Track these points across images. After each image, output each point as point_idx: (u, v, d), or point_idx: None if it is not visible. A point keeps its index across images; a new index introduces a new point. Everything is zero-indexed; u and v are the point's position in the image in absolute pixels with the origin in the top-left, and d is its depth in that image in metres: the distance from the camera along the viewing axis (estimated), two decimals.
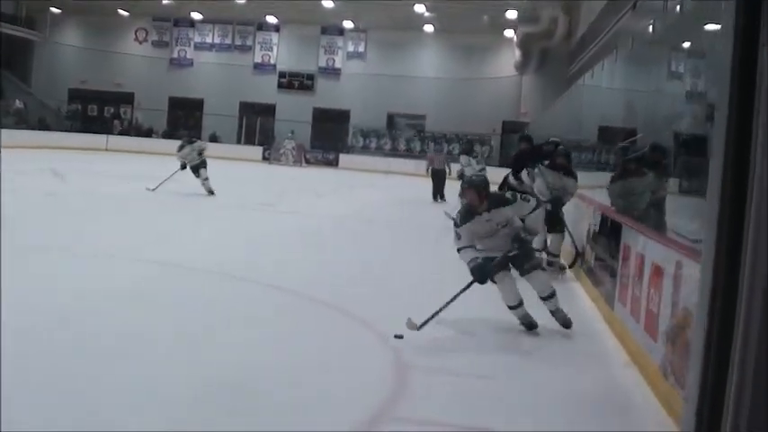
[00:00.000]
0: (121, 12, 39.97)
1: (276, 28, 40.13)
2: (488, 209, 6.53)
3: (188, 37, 41.16)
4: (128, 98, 41.35)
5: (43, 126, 37.25)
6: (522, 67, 34.57)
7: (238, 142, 38.99)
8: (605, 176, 10.36)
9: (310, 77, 39.91)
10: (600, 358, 6.19)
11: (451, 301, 6.24)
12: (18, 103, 38.10)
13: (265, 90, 39.87)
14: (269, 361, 5.33)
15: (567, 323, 6.67)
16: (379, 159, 35.59)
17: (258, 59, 40.46)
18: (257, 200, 17.80)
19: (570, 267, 9.70)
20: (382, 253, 11.08)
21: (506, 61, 36.12)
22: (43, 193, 15.48)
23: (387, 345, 5.84)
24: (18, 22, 39.90)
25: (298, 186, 24.12)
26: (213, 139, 37.36)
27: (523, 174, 10.38)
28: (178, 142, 18.17)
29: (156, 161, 24.16)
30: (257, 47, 40.52)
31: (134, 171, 20.55)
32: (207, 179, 17.34)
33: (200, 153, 17.48)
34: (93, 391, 4.45)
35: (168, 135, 37.90)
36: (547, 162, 10.04)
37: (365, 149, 37.82)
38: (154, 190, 16.95)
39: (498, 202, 6.65)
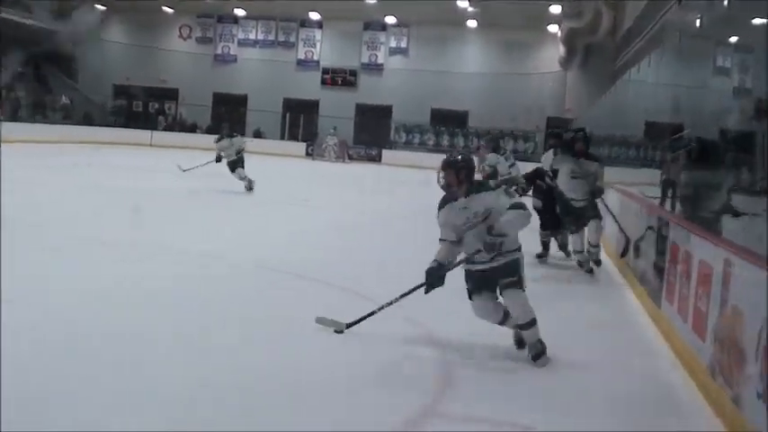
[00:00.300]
0: (166, 8, 40.68)
1: (319, 24, 40.44)
2: (466, 194, 5.67)
3: (232, 33, 41.58)
4: (172, 94, 41.88)
5: (89, 121, 37.91)
6: (566, 62, 34.41)
7: (282, 138, 39.36)
8: (651, 173, 10.41)
9: (353, 73, 40.16)
10: (646, 357, 6.13)
11: (392, 303, 5.88)
12: (64, 99, 38.86)
13: (308, 86, 40.15)
14: (313, 357, 5.37)
15: (539, 356, 5.65)
16: (422, 155, 35.23)
17: (301, 56, 40.80)
18: (299, 195, 17.87)
19: (622, 256, 9.57)
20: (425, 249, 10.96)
21: (550, 57, 36.07)
22: (81, 187, 15.91)
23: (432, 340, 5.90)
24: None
25: (340, 182, 24.27)
26: (257, 134, 37.79)
27: (544, 157, 10.15)
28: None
29: (200, 156, 24.29)
30: (300, 43, 40.85)
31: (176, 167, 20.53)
32: (244, 178, 17.01)
33: (239, 152, 17.09)
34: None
35: (212, 130, 38.26)
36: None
37: (408, 145, 37.90)
38: (185, 171, 17.72)
39: (479, 187, 5.75)
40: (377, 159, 36.43)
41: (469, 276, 5.77)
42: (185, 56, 41.84)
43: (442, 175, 5.70)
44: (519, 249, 5.71)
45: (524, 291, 5.59)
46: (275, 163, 29.17)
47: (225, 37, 41.65)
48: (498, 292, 5.69)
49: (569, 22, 31.66)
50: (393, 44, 39.78)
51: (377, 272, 8.69)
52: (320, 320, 5.95)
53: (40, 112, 36.56)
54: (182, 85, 41.46)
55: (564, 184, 9.63)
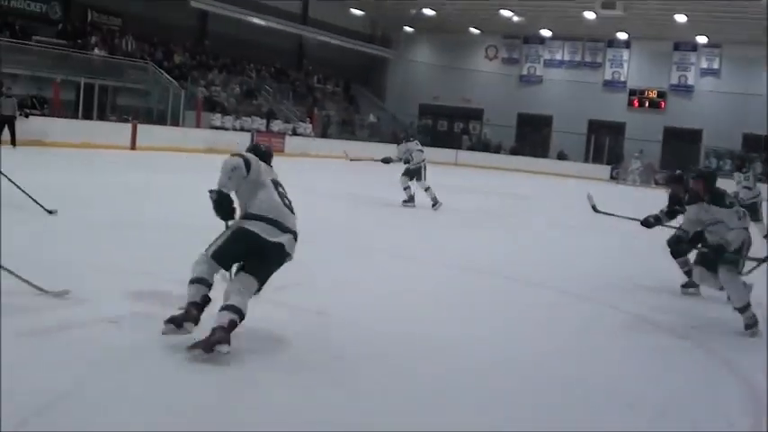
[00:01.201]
0: (473, 29, 47.25)
1: (627, 44, 45.18)
2: None
3: (538, 54, 47.72)
4: (477, 114, 48.61)
5: (394, 140, 44.14)
6: None
7: (586, 161, 43.65)
8: None
9: (661, 95, 44.41)
10: None
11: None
12: (372, 118, 46.88)
13: (614, 108, 44.80)
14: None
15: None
16: (734, 183, 36.46)
17: (608, 76, 45.82)
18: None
19: None
20: None
21: None
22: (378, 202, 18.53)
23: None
24: (374, 41, 49.09)
25: (641, 207, 25.43)
26: (561, 156, 43.20)
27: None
28: (526, 158, 19.64)
29: (503, 176, 28.20)
30: (607, 63, 45.93)
31: (480, 185, 23.48)
32: (406, 188, 17.46)
33: (407, 161, 17.60)
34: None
35: (516, 151, 44.61)
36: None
37: (718, 171, 40.16)
38: (352, 160, 21.43)
39: None
40: None
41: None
42: (491, 76, 48.35)
43: None
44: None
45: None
46: (577, 185, 32.44)
47: (531, 57, 47.89)
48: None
49: None
50: (704, 65, 43.38)
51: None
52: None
53: (348, 129, 44.23)
54: (486, 106, 47.91)
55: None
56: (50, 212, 11.02)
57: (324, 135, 40.85)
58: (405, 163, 17.60)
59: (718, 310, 8.73)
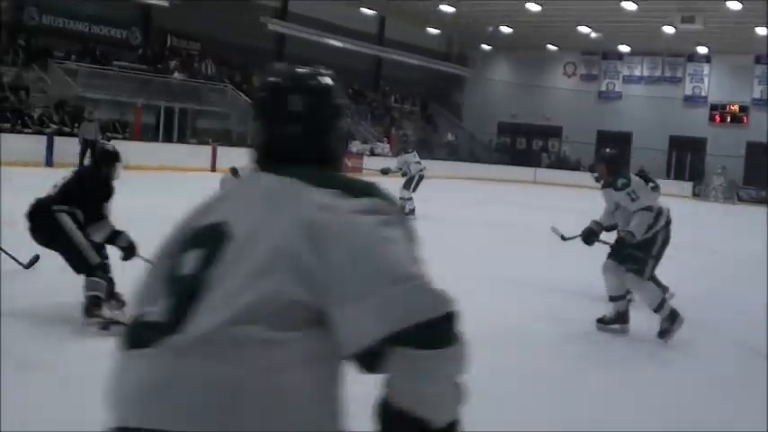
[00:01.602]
0: (551, 46, 47.57)
1: (707, 58, 44.93)
2: None
3: (616, 70, 47.84)
4: (556, 131, 48.77)
5: (473, 158, 45.53)
6: None
7: (667, 177, 42.29)
8: None
9: (743, 109, 44.03)
10: None
11: None
12: (449, 137, 47.37)
13: (695, 123, 44.48)
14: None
15: None
16: None
17: (688, 92, 45.62)
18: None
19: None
20: None
21: None
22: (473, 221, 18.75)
23: None
24: (451, 59, 49.54)
25: (726, 225, 26.53)
26: (641, 173, 42.60)
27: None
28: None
29: (582, 195, 28.46)
30: (687, 78, 45.72)
31: (560, 204, 22.91)
32: (403, 198, 17.24)
33: (405, 173, 17.90)
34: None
35: (594, 168, 43.78)
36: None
37: None
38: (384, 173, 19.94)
39: None
40: None
41: None
42: (569, 93, 48.49)
43: None
44: None
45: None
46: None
47: (609, 74, 47.98)
48: None
49: None
50: None
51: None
52: None
53: (426, 148, 44.17)
54: (565, 123, 47.97)
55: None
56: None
57: (399, 155, 40.81)
58: (403, 175, 18.03)
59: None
